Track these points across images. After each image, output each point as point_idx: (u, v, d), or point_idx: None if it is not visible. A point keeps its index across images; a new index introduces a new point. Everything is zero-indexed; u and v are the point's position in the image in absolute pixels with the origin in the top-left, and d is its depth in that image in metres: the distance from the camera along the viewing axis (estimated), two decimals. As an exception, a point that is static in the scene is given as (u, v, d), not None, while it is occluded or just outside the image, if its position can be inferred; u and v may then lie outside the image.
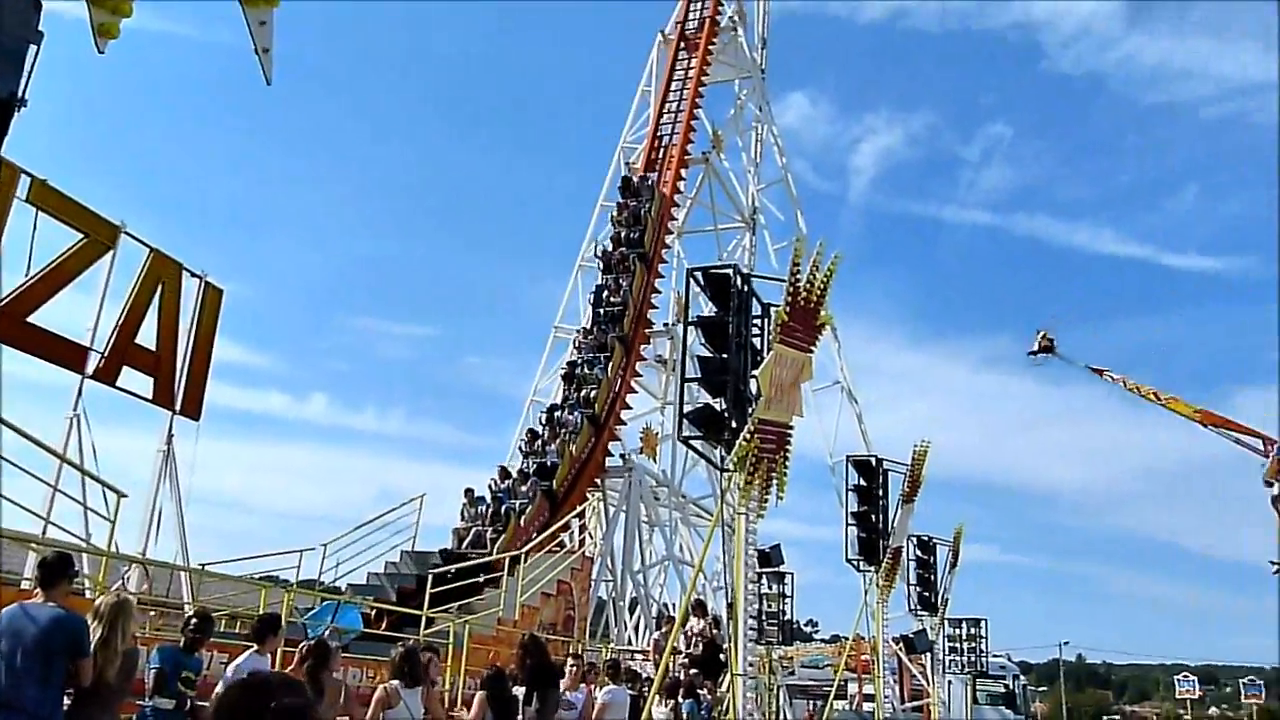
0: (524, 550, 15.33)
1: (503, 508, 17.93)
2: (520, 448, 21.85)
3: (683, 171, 30.09)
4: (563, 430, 21.28)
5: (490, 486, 19.28)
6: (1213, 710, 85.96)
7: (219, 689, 7.07)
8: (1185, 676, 69.30)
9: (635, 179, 28.88)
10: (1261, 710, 64.64)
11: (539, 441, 21.15)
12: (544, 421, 22.08)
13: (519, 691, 10.16)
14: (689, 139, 30.31)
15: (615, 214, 27.95)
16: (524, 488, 19.02)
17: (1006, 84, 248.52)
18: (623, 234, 27.13)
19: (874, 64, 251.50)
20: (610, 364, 23.15)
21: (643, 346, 25.92)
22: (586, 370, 23.43)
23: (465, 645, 12.24)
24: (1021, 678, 33.91)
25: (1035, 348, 52.71)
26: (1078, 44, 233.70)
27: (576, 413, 21.69)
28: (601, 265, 26.90)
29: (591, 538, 24.75)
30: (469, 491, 18.68)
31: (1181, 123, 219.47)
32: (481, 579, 14.63)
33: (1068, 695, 77.16)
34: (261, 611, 9.32)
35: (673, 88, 31.64)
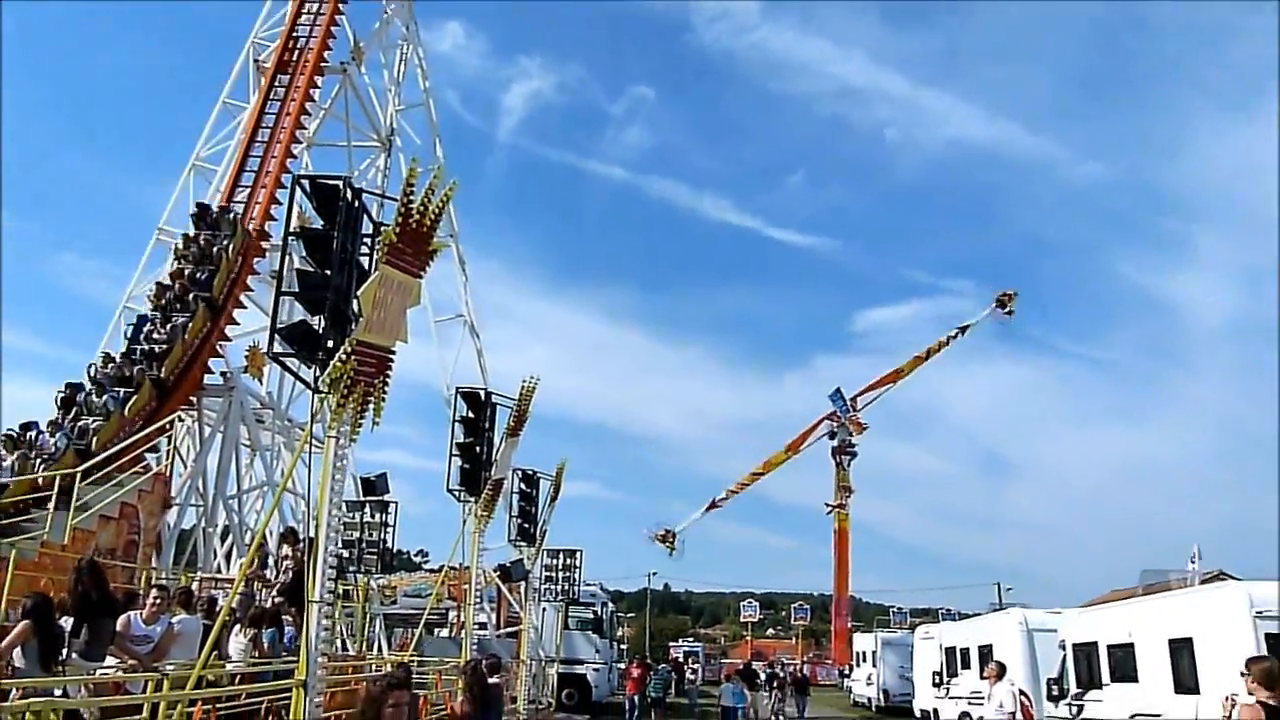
0: (79, 469, 13.83)
1: None
2: None
3: (317, 79, 28.38)
4: (34, 455, 16.15)
5: None
6: (770, 631, 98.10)
7: None
8: (750, 602, 78.49)
9: (215, 208, 24.19)
10: (806, 629, 76.14)
11: None
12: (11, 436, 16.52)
13: (69, 622, 9.20)
14: (327, 45, 28.58)
15: (180, 246, 23.09)
16: None
17: (654, 50, 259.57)
18: (186, 270, 22.03)
19: (533, 6, 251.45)
20: (133, 402, 18.62)
21: (257, 261, 24.22)
22: (94, 398, 18.49)
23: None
24: (610, 605, 36.34)
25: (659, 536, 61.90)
26: (719, 24, 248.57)
27: (60, 435, 16.87)
28: (153, 299, 21.79)
29: (182, 459, 22.97)
30: None
31: (799, 113, 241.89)
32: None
33: (652, 620, 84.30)
34: None
35: (314, -13, 29.58)
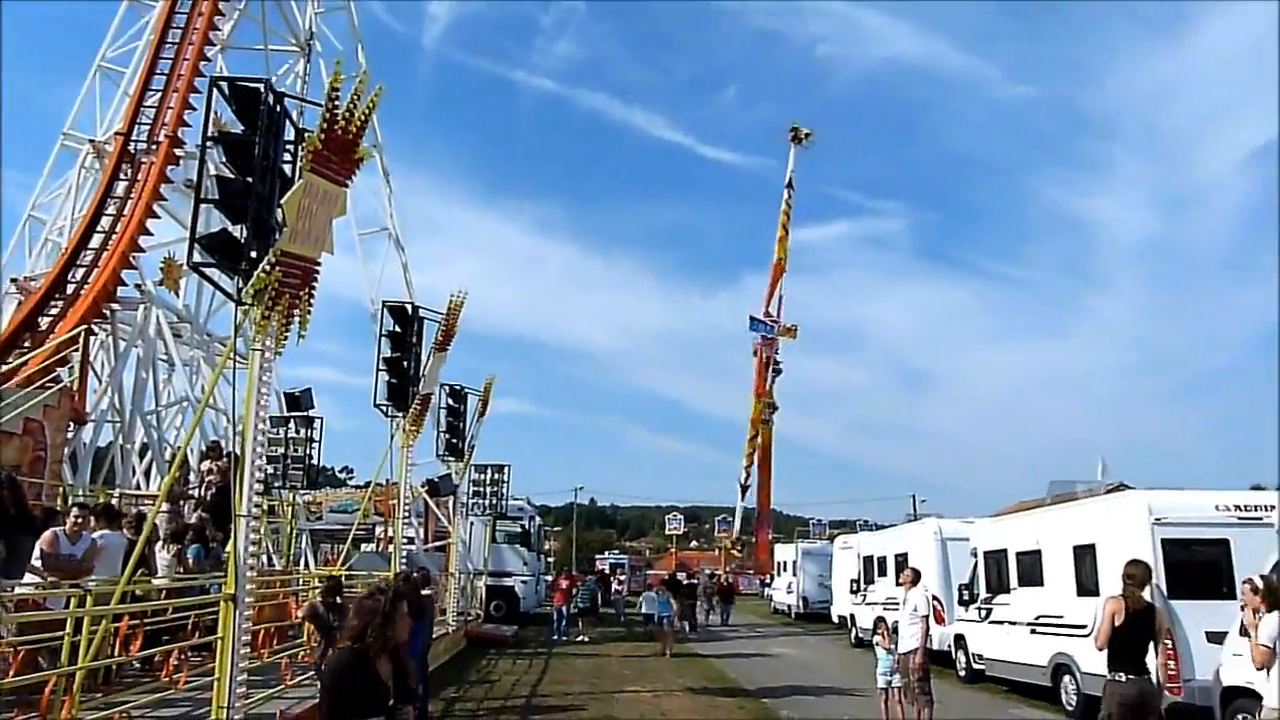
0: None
1: None
2: None
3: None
4: None
5: None
6: (694, 543, 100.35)
7: None
8: (675, 515, 79.98)
9: None
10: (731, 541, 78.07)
11: None
12: None
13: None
14: (241, -59, 27.17)
15: None
16: None
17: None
18: None
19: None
20: None
21: (170, 168, 23.30)
22: None
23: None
24: (537, 519, 36.74)
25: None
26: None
27: None
28: None
29: (96, 374, 22.32)
30: None
31: (734, 27, 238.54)
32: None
33: (579, 534, 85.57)
34: None
35: (223, -122, 27.92)
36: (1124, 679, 7.61)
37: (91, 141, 24.92)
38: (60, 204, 24.83)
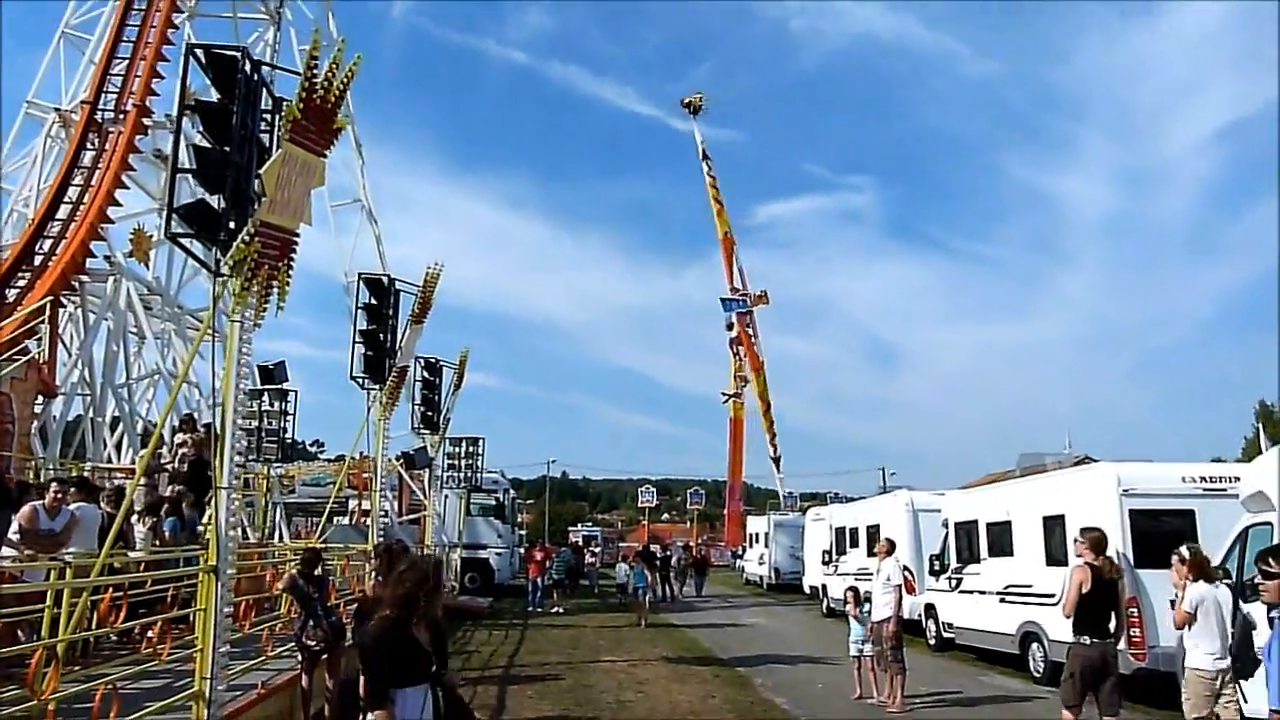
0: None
1: None
2: None
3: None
4: None
5: None
6: (665, 515, 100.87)
7: None
8: (646, 489, 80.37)
9: None
10: (700, 514, 78.71)
11: None
12: None
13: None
14: (207, -95, 26.65)
15: None
16: None
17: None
18: None
19: None
20: None
21: (139, 139, 22.95)
22: None
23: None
24: (511, 492, 36.80)
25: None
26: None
27: None
28: None
29: (65, 347, 22.07)
30: None
31: (707, 3, 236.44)
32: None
33: (551, 506, 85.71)
34: None
35: None
36: (1088, 642, 8.00)
37: (57, 110, 24.49)
38: (26, 174, 24.42)
